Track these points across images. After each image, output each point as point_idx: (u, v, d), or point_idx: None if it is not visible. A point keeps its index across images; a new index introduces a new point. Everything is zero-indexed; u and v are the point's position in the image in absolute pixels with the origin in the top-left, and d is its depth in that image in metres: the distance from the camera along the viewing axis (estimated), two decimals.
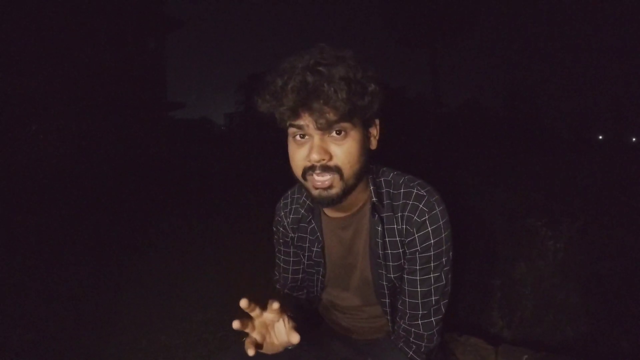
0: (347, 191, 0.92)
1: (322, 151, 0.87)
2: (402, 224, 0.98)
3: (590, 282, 2.15)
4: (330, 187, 0.89)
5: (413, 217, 0.97)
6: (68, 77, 11.76)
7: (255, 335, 0.86)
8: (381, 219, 1.00)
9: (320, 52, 0.87)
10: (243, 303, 0.83)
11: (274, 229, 1.20)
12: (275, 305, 0.82)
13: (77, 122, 11.99)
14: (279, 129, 0.93)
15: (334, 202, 0.92)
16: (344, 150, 0.88)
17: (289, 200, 1.16)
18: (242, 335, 0.87)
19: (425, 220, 0.96)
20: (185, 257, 3.48)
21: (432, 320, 0.99)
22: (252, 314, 0.85)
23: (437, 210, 0.96)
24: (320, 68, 0.83)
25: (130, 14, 13.70)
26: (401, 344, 1.01)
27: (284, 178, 1.21)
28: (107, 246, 3.76)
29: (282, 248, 1.20)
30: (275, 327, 0.87)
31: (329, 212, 1.07)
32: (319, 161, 0.87)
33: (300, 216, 1.12)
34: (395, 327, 1.05)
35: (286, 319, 0.86)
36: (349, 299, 1.13)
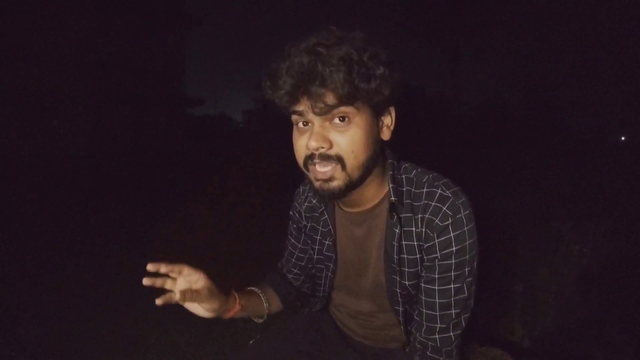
0: (351, 185, 0.85)
1: (321, 138, 0.80)
2: (421, 227, 0.89)
3: (617, 290, 2.05)
4: (331, 179, 0.83)
5: (434, 220, 0.87)
6: (88, 73, 11.97)
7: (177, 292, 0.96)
8: (399, 220, 0.91)
9: (325, 34, 0.81)
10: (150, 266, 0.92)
11: (290, 213, 1.16)
12: (164, 268, 0.94)
13: (97, 117, 12.20)
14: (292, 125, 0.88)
15: (336, 195, 0.85)
16: (346, 138, 0.81)
17: (307, 187, 1.10)
18: (252, 336, 0.84)
19: (448, 225, 0.86)
20: (199, 252, 3.48)
21: (450, 335, 0.91)
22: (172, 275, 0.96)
23: (463, 214, 0.86)
24: (319, 48, 0.77)
25: (150, 11, 13.87)
26: (416, 358, 0.94)
27: (300, 174, 1.17)
28: (121, 240, 3.79)
29: (294, 232, 1.16)
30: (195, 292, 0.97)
31: (343, 206, 1.00)
32: (317, 149, 0.81)
33: (313, 206, 1.06)
34: (411, 339, 0.97)
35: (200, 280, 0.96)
36: (361, 303, 1.07)
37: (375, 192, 0.95)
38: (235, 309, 1.01)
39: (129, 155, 10.33)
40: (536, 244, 2.07)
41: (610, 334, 1.79)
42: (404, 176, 0.94)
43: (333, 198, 0.87)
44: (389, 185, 0.93)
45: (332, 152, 0.81)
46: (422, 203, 0.90)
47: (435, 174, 0.94)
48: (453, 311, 0.90)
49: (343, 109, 0.79)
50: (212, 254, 3.41)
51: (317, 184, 0.85)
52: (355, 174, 0.84)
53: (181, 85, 16.07)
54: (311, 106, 0.79)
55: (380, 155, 0.90)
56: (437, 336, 0.91)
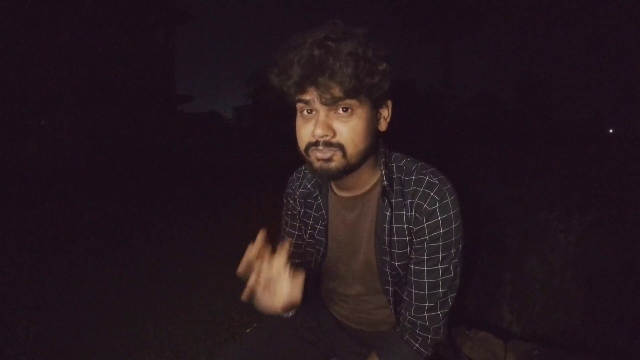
0: (348, 168, 0.91)
1: (326, 127, 0.86)
2: (411, 211, 0.96)
3: (603, 277, 2.11)
4: (330, 159, 0.88)
5: (423, 205, 0.94)
6: (77, 71, 11.84)
7: (257, 283, 0.85)
8: (390, 204, 0.97)
9: (332, 28, 0.85)
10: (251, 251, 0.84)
11: (284, 200, 1.20)
12: (286, 245, 0.84)
13: (86, 116, 12.09)
14: (287, 121, 0.93)
15: (334, 176, 0.91)
16: (348, 128, 0.87)
17: (302, 174, 1.16)
18: (248, 326, 0.86)
19: (435, 209, 0.93)
20: (193, 249, 3.49)
21: (438, 313, 0.97)
22: (260, 260, 0.84)
23: (449, 199, 0.93)
24: (329, 42, 0.82)
25: (139, 7, 13.73)
26: (407, 336, 0.99)
27: (292, 170, 1.21)
28: (116, 237, 3.79)
29: (288, 220, 1.20)
30: (279, 281, 0.84)
31: (337, 190, 1.06)
32: (322, 137, 0.87)
33: (308, 191, 1.11)
34: (401, 319, 1.02)
35: (293, 275, 0.84)
36: (352, 285, 1.11)
37: (368, 178, 1.01)
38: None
39: (119, 153, 10.26)
40: (524, 233, 2.12)
41: (595, 319, 1.85)
42: (394, 164, 1.01)
43: (331, 178, 0.92)
44: (381, 172, 0.99)
45: (335, 140, 0.87)
46: (411, 189, 0.96)
47: (423, 163, 1.01)
48: (440, 290, 0.96)
49: (348, 101, 0.85)
50: (205, 251, 3.43)
51: (317, 164, 0.90)
52: (353, 161, 0.90)
53: (171, 82, 15.96)
54: (319, 96, 0.84)
55: (375, 144, 0.97)
56: (425, 314, 0.97)
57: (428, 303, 0.96)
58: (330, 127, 0.87)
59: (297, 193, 1.14)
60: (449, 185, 0.95)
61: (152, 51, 14.87)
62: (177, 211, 4.74)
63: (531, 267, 1.92)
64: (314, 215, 1.10)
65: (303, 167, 1.16)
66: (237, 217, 4.40)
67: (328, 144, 0.87)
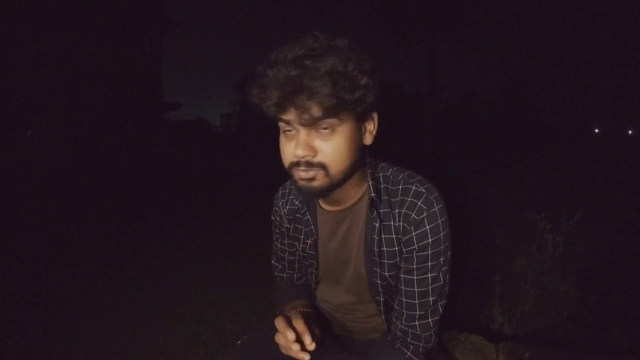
0: (332, 187, 0.90)
1: (307, 147, 0.84)
2: (399, 221, 0.95)
3: (591, 275, 2.14)
4: (313, 179, 0.87)
5: (411, 215, 0.93)
6: (63, 80, 11.72)
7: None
8: (379, 214, 0.96)
9: (312, 42, 0.83)
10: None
11: (272, 218, 1.19)
12: (312, 346, 0.85)
13: (73, 124, 11.97)
14: (275, 128, 0.91)
15: (318, 195, 0.90)
16: (330, 146, 0.85)
17: (287, 190, 1.14)
18: (240, 336, 0.86)
19: (423, 218, 0.92)
20: (183, 257, 3.47)
21: (429, 321, 0.97)
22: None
23: (436, 208, 0.93)
24: (307, 61, 0.79)
25: (126, 15, 13.66)
26: (398, 345, 0.99)
27: (281, 177, 1.20)
28: (104, 247, 3.75)
29: (278, 237, 1.19)
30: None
31: (324, 205, 1.05)
32: (303, 157, 0.85)
33: (295, 207, 1.10)
34: (392, 328, 1.02)
35: (306, 337, 0.86)
36: (342, 295, 1.11)
37: (355, 190, 1.00)
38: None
39: (106, 162, 10.16)
40: (513, 235, 2.14)
41: (585, 317, 1.86)
42: (380, 174, 1.00)
43: (315, 197, 0.93)
44: (368, 183, 0.98)
45: (316, 159, 0.85)
46: (398, 199, 0.96)
47: (409, 172, 1.00)
48: (431, 298, 0.95)
49: (328, 120, 0.83)
50: (194, 259, 3.40)
51: (301, 183, 0.89)
52: (337, 178, 0.89)
53: (158, 90, 15.87)
54: (298, 117, 0.82)
55: (361, 158, 0.95)
56: (416, 323, 0.97)
57: (419, 311, 0.96)
58: (312, 147, 0.85)
59: (285, 209, 1.13)
60: (436, 194, 0.94)
61: (139, 59, 14.78)
62: (165, 219, 4.70)
63: (520, 267, 1.94)
64: (304, 230, 1.09)
65: (288, 183, 1.15)
66: (226, 225, 4.38)
67: (310, 164, 0.85)
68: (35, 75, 11.28)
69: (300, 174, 0.87)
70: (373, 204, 0.96)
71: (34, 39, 11.33)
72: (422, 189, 0.94)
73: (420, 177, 0.98)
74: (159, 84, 15.93)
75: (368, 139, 0.94)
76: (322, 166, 0.86)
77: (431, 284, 0.95)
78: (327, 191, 0.90)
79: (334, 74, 0.79)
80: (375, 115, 0.93)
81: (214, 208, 5.23)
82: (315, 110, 0.80)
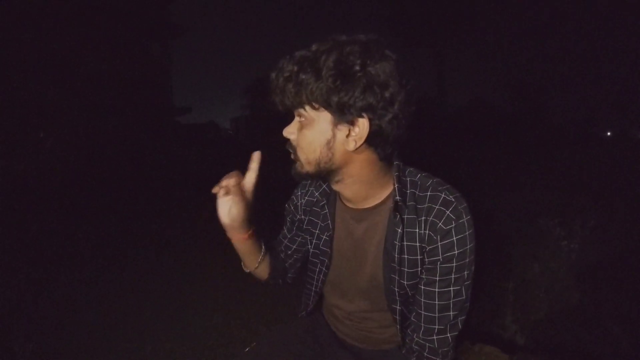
0: (306, 175, 0.93)
1: (287, 130, 0.92)
2: (425, 229, 0.91)
3: (606, 283, 2.09)
4: (294, 161, 0.94)
5: (438, 224, 0.89)
6: (74, 84, 11.85)
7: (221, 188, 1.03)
8: (402, 220, 0.93)
9: (325, 43, 0.85)
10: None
11: (286, 205, 1.18)
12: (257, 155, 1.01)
13: (84, 128, 12.08)
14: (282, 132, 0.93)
15: (298, 176, 0.95)
16: (300, 136, 0.90)
17: (309, 182, 1.12)
18: (247, 343, 0.84)
19: (451, 228, 0.88)
20: (192, 263, 3.46)
21: (448, 337, 0.93)
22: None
23: (465, 219, 0.89)
24: (306, 55, 0.84)
25: (135, 20, 13.80)
26: (414, 358, 0.95)
27: (290, 181, 1.18)
28: (112, 251, 3.76)
29: (287, 224, 1.19)
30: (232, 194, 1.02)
31: (345, 201, 1.02)
32: (284, 136, 0.92)
33: (314, 199, 1.08)
34: (407, 340, 0.99)
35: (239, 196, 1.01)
36: (356, 301, 1.07)
37: (378, 191, 0.96)
38: (246, 234, 1.06)
39: (117, 166, 10.23)
40: (525, 241, 2.10)
41: (603, 326, 1.82)
42: (408, 179, 0.96)
43: (297, 177, 0.96)
44: (393, 186, 0.94)
45: (290, 144, 0.93)
46: (425, 206, 0.92)
47: (438, 179, 0.96)
48: (451, 313, 0.92)
49: (300, 110, 0.87)
50: (202, 264, 3.39)
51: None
52: (307, 168, 0.92)
53: (168, 94, 16.01)
54: (279, 102, 0.89)
55: (351, 161, 0.90)
56: (435, 337, 0.93)
57: (438, 326, 0.93)
58: (292, 132, 0.91)
59: (303, 200, 1.13)
60: (465, 204, 0.91)
61: (148, 64, 14.91)
62: (175, 223, 4.71)
63: (534, 274, 1.89)
64: (320, 224, 1.07)
65: None
66: None
67: (290, 147, 0.93)
68: (47, 79, 11.42)
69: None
70: (397, 208, 0.93)
71: (46, 43, 11.48)
72: (451, 198, 0.90)
73: (449, 186, 0.94)
74: (168, 88, 16.07)
75: (350, 145, 0.87)
76: (293, 149, 0.92)
77: (453, 298, 0.91)
78: (305, 176, 0.94)
79: (319, 70, 0.81)
80: (363, 123, 0.85)
81: None
82: (286, 98, 0.86)
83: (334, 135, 0.87)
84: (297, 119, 0.90)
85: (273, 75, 0.87)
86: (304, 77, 0.82)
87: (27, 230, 4.38)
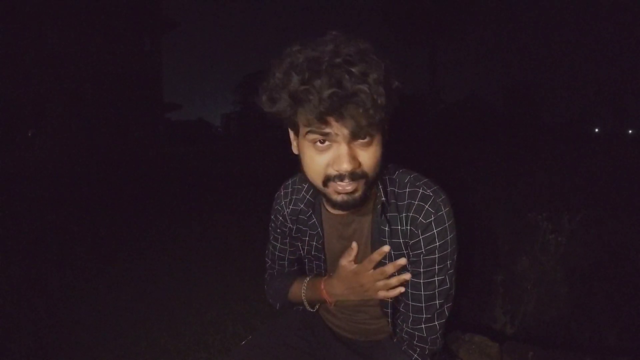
0: (368, 194, 0.89)
1: (353, 160, 0.81)
2: (406, 225, 0.95)
3: (593, 276, 2.14)
4: (354, 191, 0.85)
5: (418, 218, 0.93)
6: (64, 81, 11.72)
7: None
8: (386, 218, 0.96)
9: (342, 46, 0.78)
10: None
11: (272, 217, 1.17)
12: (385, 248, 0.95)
13: (74, 125, 11.96)
14: (275, 128, 0.90)
15: (357, 205, 0.88)
16: (370, 155, 0.83)
17: (290, 190, 1.12)
18: (242, 337, 0.85)
19: (430, 221, 0.92)
20: (185, 259, 3.46)
21: (435, 324, 0.97)
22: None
23: (444, 211, 0.92)
24: (353, 69, 0.74)
25: (125, 15, 13.66)
26: (405, 347, 0.99)
27: (281, 177, 1.19)
28: (105, 248, 3.74)
29: (278, 237, 1.17)
30: None
31: (330, 208, 1.03)
32: (350, 170, 0.81)
33: (299, 209, 1.09)
34: (397, 330, 1.02)
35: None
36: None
37: None
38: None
39: (107, 162, 10.16)
40: (515, 235, 2.14)
41: (590, 317, 1.86)
42: (387, 177, 0.99)
43: (355, 207, 0.89)
44: (377, 185, 0.96)
45: (360, 170, 0.83)
46: (405, 202, 0.95)
47: (416, 174, 0.99)
48: (437, 302, 0.95)
49: (372, 130, 0.80)
50: (196, 260, 3.40)
51: (338, 197, 0.86)
52: (372, 185, 0.89)
53: (158, 90, 15.88)
54: (348, 129, 0.78)
55: None
56: (423, 326, 0.97)
57: (425, 314, 0.96)
58: (357, 159, 0.82)
59: (288, 209, 1.12)
60: (443, 197, 0.94)
61: (139, 59, 14.79)
62: (166, 220, 4.69)
63: (523, 268, 1.93)
64: (309, 232, 1.09)
65: (290, 182, 1.14)
66: (227, 225, 4.37)
67: (354, 176, 0.83)
68: (36, 75, 11.29)
69: (342, 187, 0.84)
70: (383, 209, 0.96)
71: (34, 38, 11.33)
72: (429, 192, 0.94)
73: (426, 180, 0.97)
74: (159, 84, 15.95)
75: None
76: (364, 175, 0.84)
77: (438, 287, 0.95)
78: (364, 200, 0.89)
79: (384, 84, 0.76)
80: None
81: (215, 208, 5.22)
82: (364, 121, 0.76)
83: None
84: (350, 145, 0.81)
85: (332, 95, 0.73)
86: (379, 100, 0.75)
87: (20, 226, 4.35)
